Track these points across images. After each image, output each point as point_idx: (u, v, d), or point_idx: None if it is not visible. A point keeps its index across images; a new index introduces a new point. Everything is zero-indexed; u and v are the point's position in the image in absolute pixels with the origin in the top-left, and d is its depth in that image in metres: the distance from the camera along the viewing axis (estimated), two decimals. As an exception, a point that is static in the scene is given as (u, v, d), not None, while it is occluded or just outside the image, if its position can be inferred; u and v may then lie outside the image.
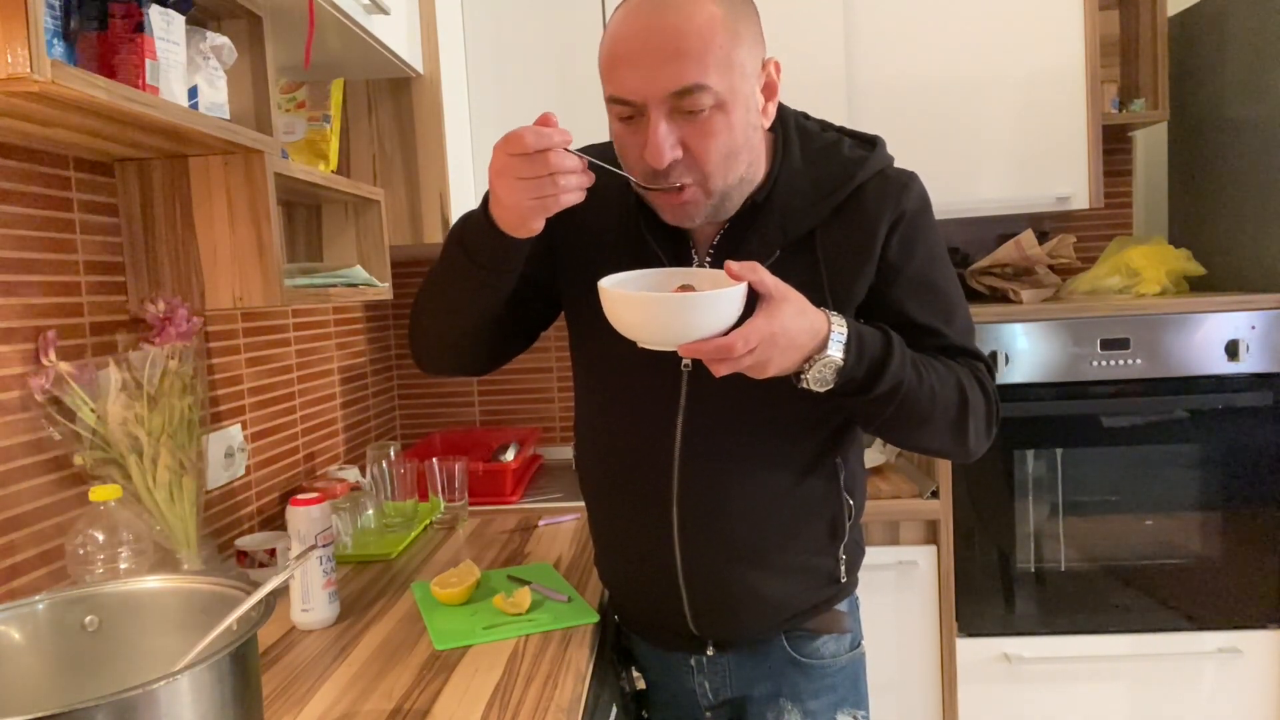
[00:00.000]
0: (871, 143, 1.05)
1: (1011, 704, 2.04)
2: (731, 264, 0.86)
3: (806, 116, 1.10)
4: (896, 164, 1.06)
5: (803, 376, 0.92)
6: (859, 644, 1.17)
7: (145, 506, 1.16)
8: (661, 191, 0.96)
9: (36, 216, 1.15)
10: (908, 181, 1.03)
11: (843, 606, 1.14)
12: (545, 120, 0.88)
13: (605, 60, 0.95)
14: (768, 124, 1.01)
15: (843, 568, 1.12)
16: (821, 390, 0.93)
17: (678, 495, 1.05)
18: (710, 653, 1.13)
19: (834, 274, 1.01)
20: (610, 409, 1.11)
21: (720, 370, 0.87)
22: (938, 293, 1.04)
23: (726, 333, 0.85)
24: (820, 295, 1.00)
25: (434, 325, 1.09)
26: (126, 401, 1.14)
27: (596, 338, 1.03)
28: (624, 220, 1.07)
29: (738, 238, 1.03)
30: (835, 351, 0.90)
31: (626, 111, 0.93)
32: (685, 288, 0.91)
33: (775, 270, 0.98)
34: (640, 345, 0.90)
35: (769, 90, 0.99)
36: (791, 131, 1.06)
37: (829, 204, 1.01)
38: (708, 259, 1.04)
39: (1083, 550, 2.03)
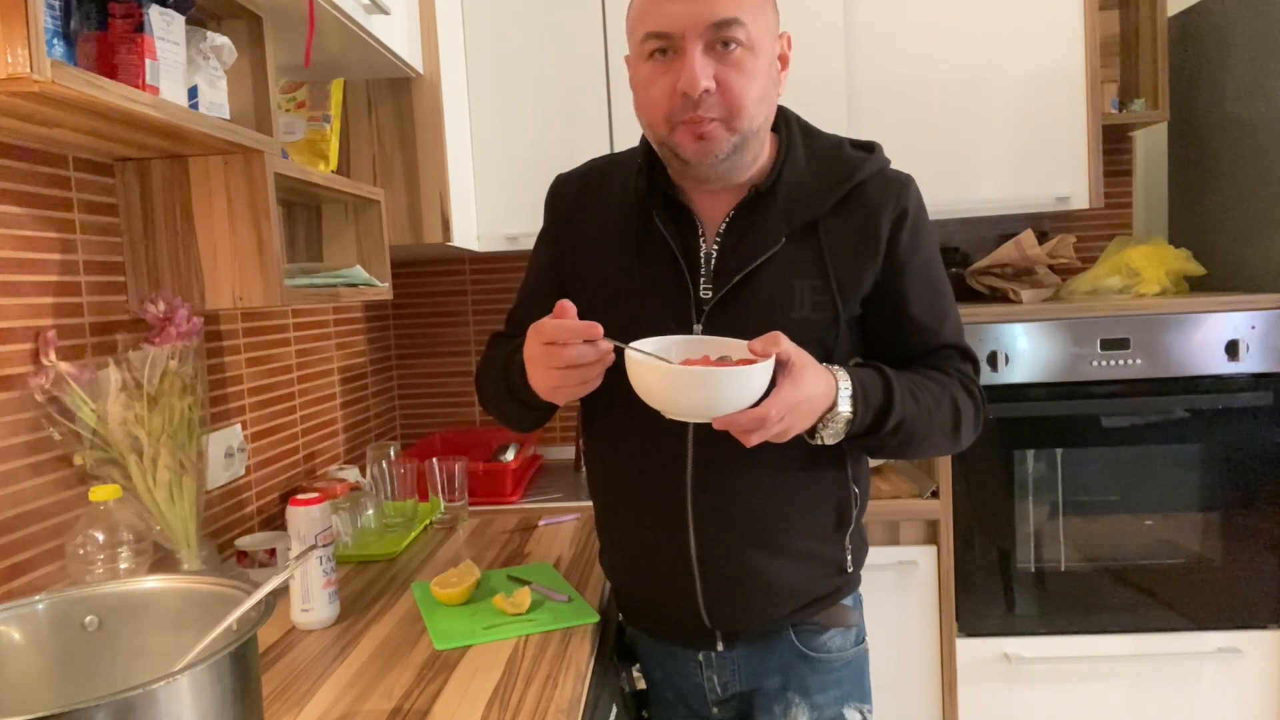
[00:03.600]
0: (869, 147, 1.09)
1: (1011, 704, 2.04)
2: (754, 344, 0.89)
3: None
4: (895, 165, 1.11)
5: (817, 433, 0.98)
6: (864, 639, 1.18)
7: (145, 506, 1.16)
8: (686, 124, 0.98)
9: (36, 216, 1.15)
10: (907, 181, 1.07)
11: (849, 601, 1.16)
12: (561, 311, 0.93)
13: (645, 2, 0.99)
14: (780, 94, 1.04)
15: (849, 557, 1.14)
16: (833, 442, 0.99)
17: (692, 481, 1.07)
18: (719, 647, 1.14)
19: (838, 265, 1.04)
20: (620, 402, 1.10)
21: (752, 440, 0.89)
22: (936, 291, 1.09)
23: (757, 404, 0.88)
24: (825, 283, 1.04)
25: (498, 413, 1.21)
26: (126, 401, 1.14)
27: (610, 332, 1.03)
28: (631, 211, 1.10)
29: (744, 223, 1.06)
30: (845, 407, 0.96)
31: (661, 46, 0.97)
32: (692, 361, 0.93)
33: (781, 258, 1.03)
34: (667, 417, 0.91)
35: (782, 60, 1.04)
36: (795, 129, 1.10)
37: (832, 197, 1.04)
38: (715, 244, 1.06)
39: (1083, 550, 2.03)
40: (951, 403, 1.06)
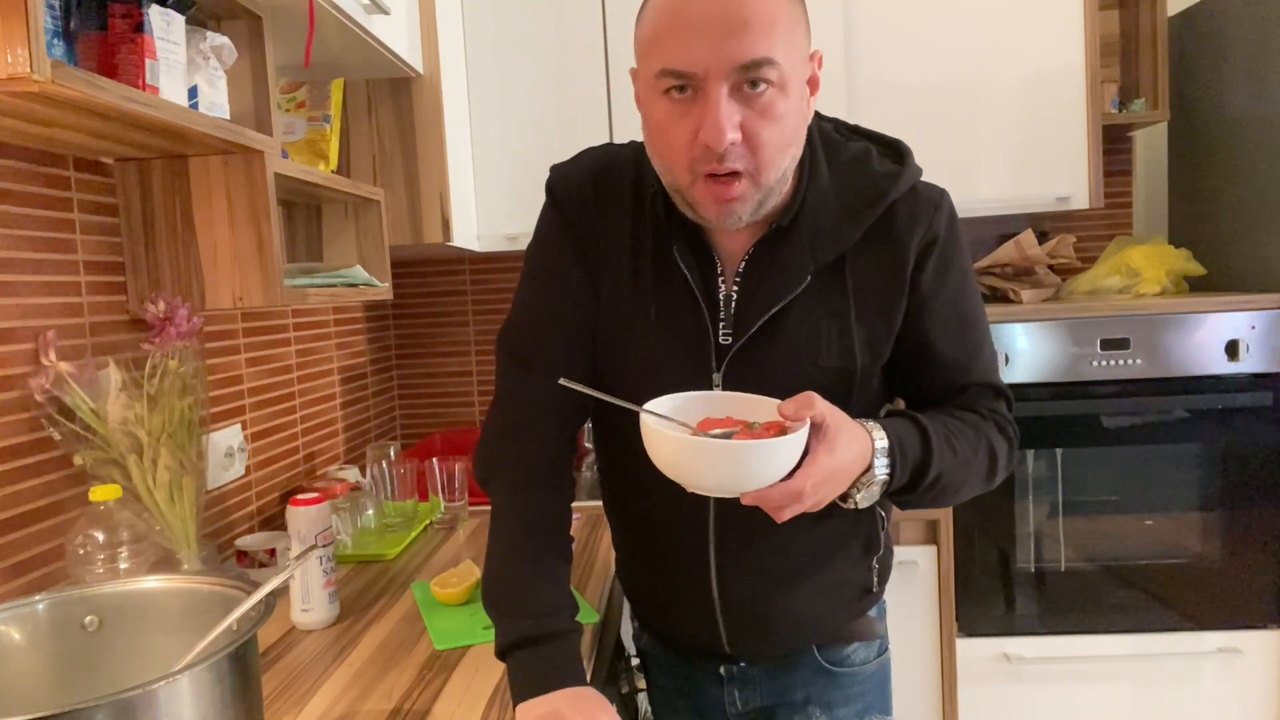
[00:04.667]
0: (899, 152, 0.98)
1: (1011, 704, 2.04)
2: (785, 407, 0.80)
3: (820, 116, 1.02)
4: None
5: (850, 498, 0.88)
6: (886, 649, 1.14)
7: (145, 506, 1.16)
8: (712, 179, 0.86)
9: (36, 216, 1.15)
10: (939, 201, 0.96)
11: (873, 612, 1.12)
12: None
13: (660, 29, 0.85)
14: (809, 118, 0.93)
15: (875, 577, 1.08)
16: (866, 505, 0.90)
17: (714, 528, 1.00)
18: (742, 664, 1.10)
19: (862, 304, 0.95)
20: (638, 447, 0.93)
21: (784, 516, 0.81)
22: (967, 324, 0.99)
23: (789, 474, 0.79)
24: (844, 324, 0.94)
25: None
26: (126, 401, 1.14)
27: (620, 378, 0.96)
28: (645, 238, 0.98)
29: (765, 261, 0.95)
30: (881, 470, 0.86)
31: (679, 84, 0.84)
32: (714, 422, 0.83)
33: (806, 298, 0.93)
34: (689, 490, 0.81)
35: (813, 84, 0.92)
36: (816, 143, 0.98)
37: (859, 226, 0.93)
38: (735, 284, 0.96)
39: (1083, 550, 2.03)
40: (988, 448, 0.96)
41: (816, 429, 0.80)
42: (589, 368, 1.01)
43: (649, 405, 0.82)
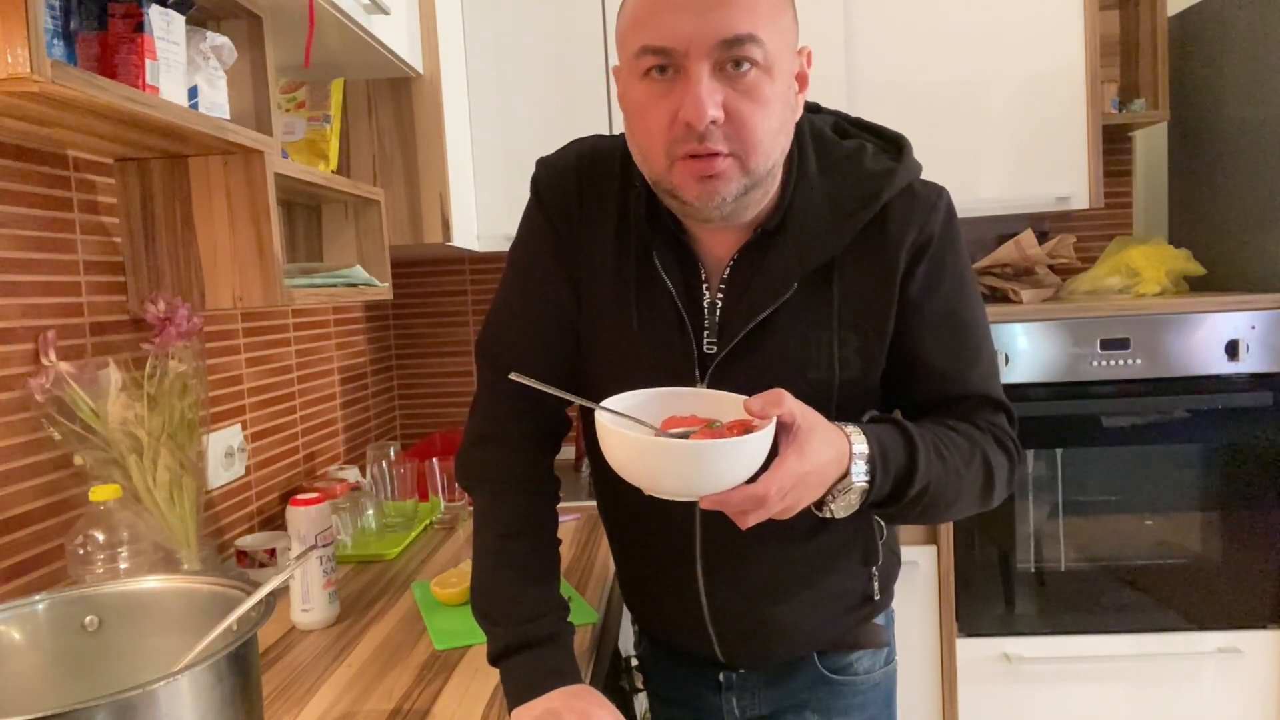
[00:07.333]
0: (898, 146, 0.93)
1: (1011, 704, 2.04)
2: (752, 403, 0.75)
3: (817, 108, 0.99)
4: None
5: (826, 506, 0.82)
6: (893, 659, 1.11)
7: (145, 506, 1.16)
8: (692, 159, 0.81)
9: (36, 216, 1.15)
10: (936, 201, 0.91)
11: (880, 619, 1.08)
12: None
13: (641, 9, 0.82)
14: (797, 116, 0.89)
15: (876, 584, 1.04)
16: (844, 515, 0.83)
17: (700, 545, 0.97)
18: (741, 670, 1.07)
19: (852, 311, 0.90)
20: None
21: (748, 522, 0.75)
22: (962, 331, 0.93)
23: (753, 477, 0.73)
24: (834, 333, 0.90)
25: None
26: (126, 401, 1.14)
27: (602, 386, 0.92)
28: (629, 240, 0.94)
29: (750, 267, 0.91)
30: (859, 478, 0.80)
31: (660, 64, 0.81)
32: (679, 419, 0.78)
33: (793, 306, 0.89)
34: (647, 493, 0.76)
35: (801, 80, 0.88)
36: (806, 141, 0.93)
37: (850, 228, 0.88)
38: (720, 291, 0.92)
39: (1083, 550, 2.03)
40: (983, 461, 0.90)
41: (786, 429, 0.75)
42: (568, 373, 0.98)
43: (608, 402, 0.77)
